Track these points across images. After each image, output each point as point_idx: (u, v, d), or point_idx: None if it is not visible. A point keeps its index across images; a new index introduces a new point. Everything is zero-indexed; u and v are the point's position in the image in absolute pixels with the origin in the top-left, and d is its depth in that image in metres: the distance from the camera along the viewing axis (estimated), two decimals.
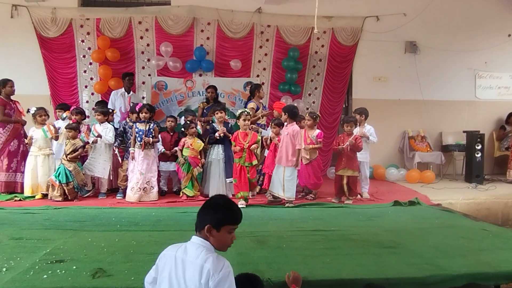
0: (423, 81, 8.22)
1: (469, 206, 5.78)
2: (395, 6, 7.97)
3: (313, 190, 5.84)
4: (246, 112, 5.46)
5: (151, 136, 5.56)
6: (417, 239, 3.81)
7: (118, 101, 6.87)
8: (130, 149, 5.59)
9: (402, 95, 8.30)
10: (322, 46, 8.01)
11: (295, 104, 7.54)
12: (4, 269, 2.87)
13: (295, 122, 5.39)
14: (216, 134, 5.71)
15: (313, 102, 8.11)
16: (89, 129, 5.86)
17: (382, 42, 7.99)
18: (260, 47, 7.85)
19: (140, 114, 5.65)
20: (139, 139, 5.53)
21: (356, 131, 5.81)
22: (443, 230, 4.18)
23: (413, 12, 7.99)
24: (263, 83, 7.78)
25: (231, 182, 5.79)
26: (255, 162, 5.41)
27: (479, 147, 7.34)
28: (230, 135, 5.75)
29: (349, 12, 7.97)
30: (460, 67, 8.42)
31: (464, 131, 7.88)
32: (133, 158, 5.51)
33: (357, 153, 5.62)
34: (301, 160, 5.64)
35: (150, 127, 5.61)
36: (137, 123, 5.65)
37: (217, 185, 5.78)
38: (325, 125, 7.96)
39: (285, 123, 5.42)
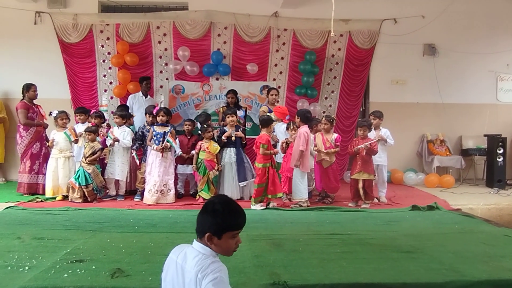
0: (442, 84, 8.09)
1: (490, 211, 5.63)
2: (413, 8, 7.88)
3: (331, 194, 5.80)
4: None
5: (167, 140, 5.62)
6: (436, 244, 3.75)
7: (137, 104, 6.99)
8: (153, 145, 5.63)
9: (420, 98, 8.18)
10: (339, 49, 7.97)
11: (311, 108, 7.57)
12: (27, 268, 2.95)
13: (306, 126, 5.44)
14: (223, 137, 5.80)
15: (330, 106, 8.07)
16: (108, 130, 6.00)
17: (400, 45, 7.89)
18: (277, 50, 7.87)
19: (157, 117, 5.73)
20: (156, 142, 5.61)
21: (372, 134, 5.76)
22: (464, 235, 4.10)
23: (432, 14, 7.87)
24: (279, 87, 7.79)
25: (244, 185, 5.81)
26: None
27: (500, 151, 7.18)
28: (243, 136, 5.90)
29: (366, 15, 7.91)
30: (480, 70, 8.25)
31: (485, 135, 7.72)
32: (156, 150, 5.58)
33: (375, 156, 5.58)
34: (321, 163, 5.66)
35: (167, 130, 5.69)
36: (155, 126, 5.73)
37: (231, 188, 5.81)
38: (342, 128, 7.90)
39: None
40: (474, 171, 7.97)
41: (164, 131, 5.67)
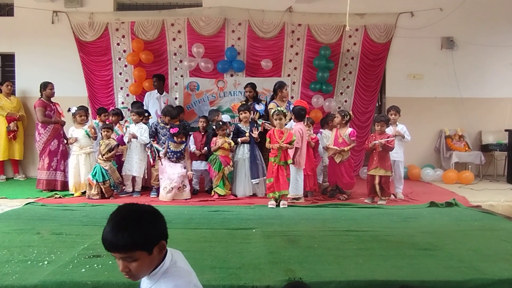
0: (461, 78, 7.90)
1: None
2: (431, 1, 7.71)
3: (346, 191, 5.73)
4: (277, 111, 5.28)
5: (182, 156, 5.68)
6: (456, 241, 3.66)
7: (151, 102, 7.04)
8: (161, 153, 5.67)
9: (438, 93, 8.02)
10: (354, 44, 7.87)
11: (327, 103, 7.51)
12: (45, 262, 3.00)
13: (301, 123, 5.45)
14: (239, 139, 5.80)
15: (345, 101, 7.98)
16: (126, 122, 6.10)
17: (417, 39, 7.75)
18: (291, 46, 7.81)
19: (175, 137, 5.64)
20: (170, 156, 5.63)
21: (390, 130, 5.67)
22: (484, 232, 4.00)
23: (450, 7, 7.69)
24: (294, 83, 7.75)
25: (257, 183, 5.78)
26: (290, 161, 5.24)
27: None
28: (257, 137, 5.78)
29: (382, 9, 7.79)
30: (501, 63, 8.03)
31: (506, 130, 7.50)
32: (162, 158, 5.65)
33: (392, 152, 5.48)
34: (334, 158, 5.62)
35: (182, 149, 5.67)
36: (170, 143, 5.66)
37: (243, 184, 5.81)
38: (357, 124, 7.81)
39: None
40: (494, 167, 7.79)
41: (180, 150, 5.66)
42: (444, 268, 2.98)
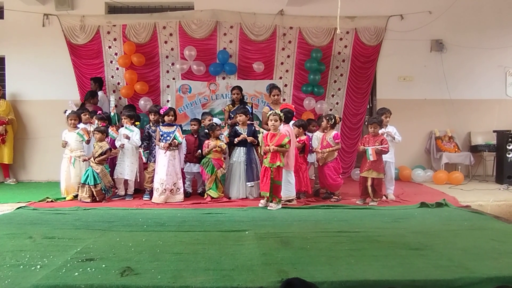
0: (450, 80, 8.02)
1: (500, 208, 5.58)
2: (420, 4, 7.82)
3: (335, 192, 5.78)
4: (274, 112, 5.32)
5: (174, 137, 5.66)
6: (446, 241, 3.72)
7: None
8: (160, 143, 5.66)
9: (428, 94, 8.12)
10: (345, 46, 7.94)
11: (318, 106, 7.55)
12: (38, 266, 2.99)
13: (288, 125, 5.54)
14: (236, 140, 5.81)
15: (337, 103, 8.05)
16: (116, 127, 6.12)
17: (406, 41, 7.85)
18: (283, 49, 7.86)
19: (166, 116, 5.74)
20: (164, 141, 5.63)
21: (380, 131, 5.73)
22: (473, 232, 4.07)
23: (439, 10, 7.81)
24: (285, 85, 7.79)
25: (252, 186, 5.80)
26: (278, 163, 5.22)
27: (510, 147, 7.12)
28: (255, 139, 5.79)
29: (372, 12, 7.88)
30: (490, 65, 8.16)
31: (494, 131, 7.64)
32: (162, 148, 5.61)
33: None
34: (318, 161, 5.74)
35: (174, 129, 5.70)
36: (161, 126, 5.75)
37: (237, 187, 5.83)
38: (349, 126, 7.88)
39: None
40: (483, 168, 7.91)
41: (172, 131, 5.68)
42: (434, 267, 3.03)
